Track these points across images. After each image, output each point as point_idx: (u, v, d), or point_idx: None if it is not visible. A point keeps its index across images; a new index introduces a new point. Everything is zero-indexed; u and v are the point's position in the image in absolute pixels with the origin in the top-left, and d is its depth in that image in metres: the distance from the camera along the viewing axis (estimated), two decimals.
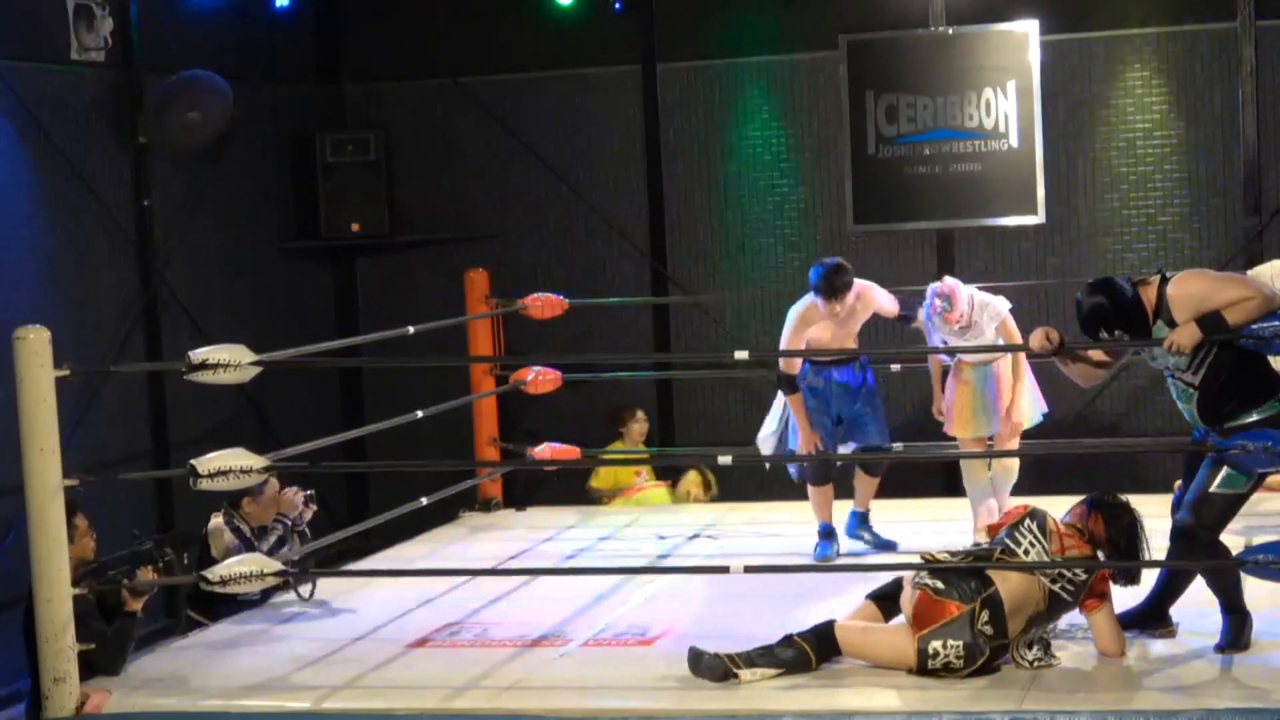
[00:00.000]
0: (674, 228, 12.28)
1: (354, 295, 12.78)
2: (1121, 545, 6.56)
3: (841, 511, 8.73)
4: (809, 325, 8.36)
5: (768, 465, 8.88)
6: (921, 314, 8.50)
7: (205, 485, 6.76)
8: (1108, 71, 11.58)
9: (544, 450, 10.31)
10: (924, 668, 6.33)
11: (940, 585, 6.37)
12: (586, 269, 12.37)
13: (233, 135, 11.38)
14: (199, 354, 6.82)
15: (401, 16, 12.52)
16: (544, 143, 12.40)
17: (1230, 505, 6.46)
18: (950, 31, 11.68)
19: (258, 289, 11.83)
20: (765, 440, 8.77)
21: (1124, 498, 6.69)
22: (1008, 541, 6.53)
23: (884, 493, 8.85)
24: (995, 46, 11.62)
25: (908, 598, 6.45)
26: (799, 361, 8.36)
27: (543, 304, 10.57)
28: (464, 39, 12.45)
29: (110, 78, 10.49)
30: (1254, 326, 6.24)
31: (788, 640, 6.48)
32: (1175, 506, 6.68)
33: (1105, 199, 11.61)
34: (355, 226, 12.27)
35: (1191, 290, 6.37)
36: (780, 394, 8.59)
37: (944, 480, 10.53)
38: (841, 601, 7.17)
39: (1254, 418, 6.35)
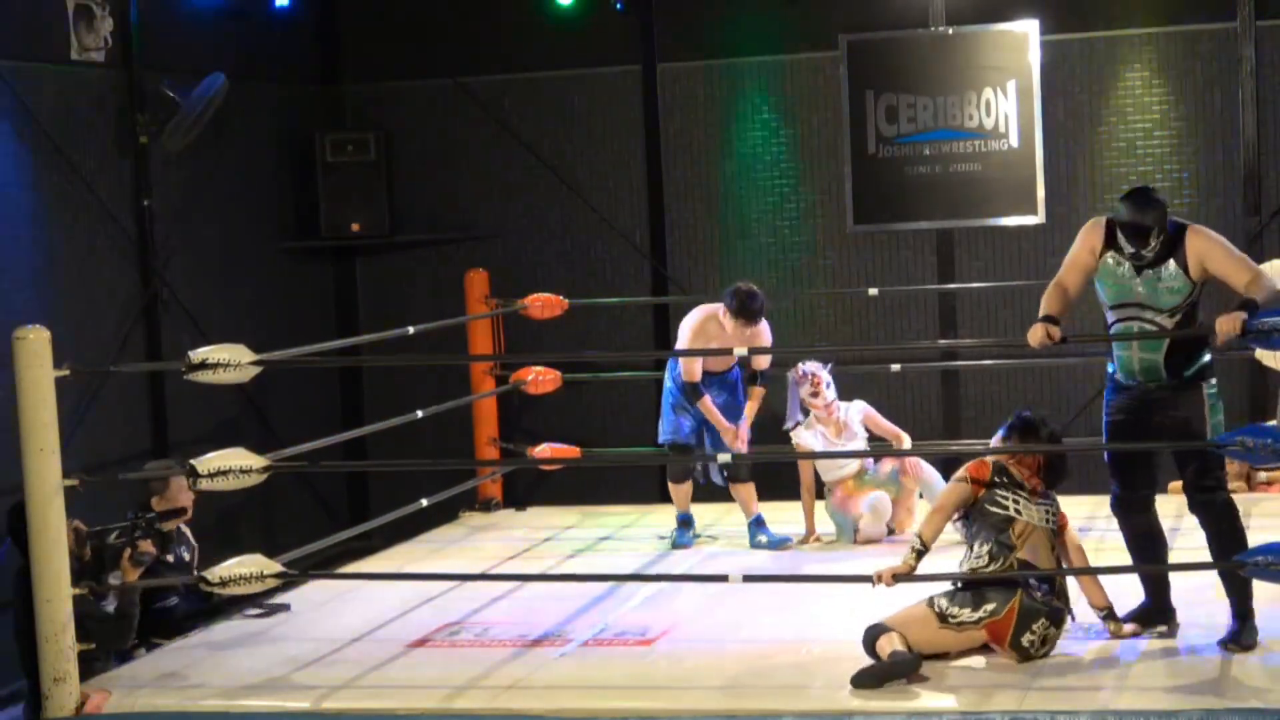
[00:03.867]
0: (674, 228, 12.27)
1: (354, 295, 12.77)
2: (1051, 456, 6.75)
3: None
4: (708, 339, 8.80)
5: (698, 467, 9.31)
6: (795, 417, 8.96)
7: (205, 485, 6.77)
8: (1108, 71, 11.57)
9: (544, 450, 10.32)
10: (1029, 658, 6.47)
11: (991, 606, 6.46)
12: (586, 269, 12.37)
13: (233, 135, 11.38)
14: (199, 354, 6.82)
15: (401, 16, 12.52)
16: (544, 143, 12.40)
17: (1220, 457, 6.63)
18: (950, 31, 11.68)
19: (258, 289, 11.83)
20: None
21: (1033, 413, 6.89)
22: (996, 510, 6.61)
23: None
24: (995, 46, 11.62)
25: (964, 638, 6.51)
26: (699, 371, 8.84)
27: (543, 304, 10.58)
28: (464, 39, 12.44)
29: (110, 78, 10.48)
30: (1254, 322, 6.27)
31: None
32: (1115, 506, 6.77)
33: (1105, 199, 11.59)
34: (355, 226, 12.26)
35: (1214, 250, 6.48)
36: (666, 399, 9.06)
37: None
38: (843, 600, 7.18)
39: (1205, 359, 6.56)
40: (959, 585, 6.57)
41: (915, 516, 8.76)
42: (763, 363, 9.00)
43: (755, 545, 8.91)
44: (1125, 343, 6.58)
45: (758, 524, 8.96)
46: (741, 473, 8.94)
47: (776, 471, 9.85)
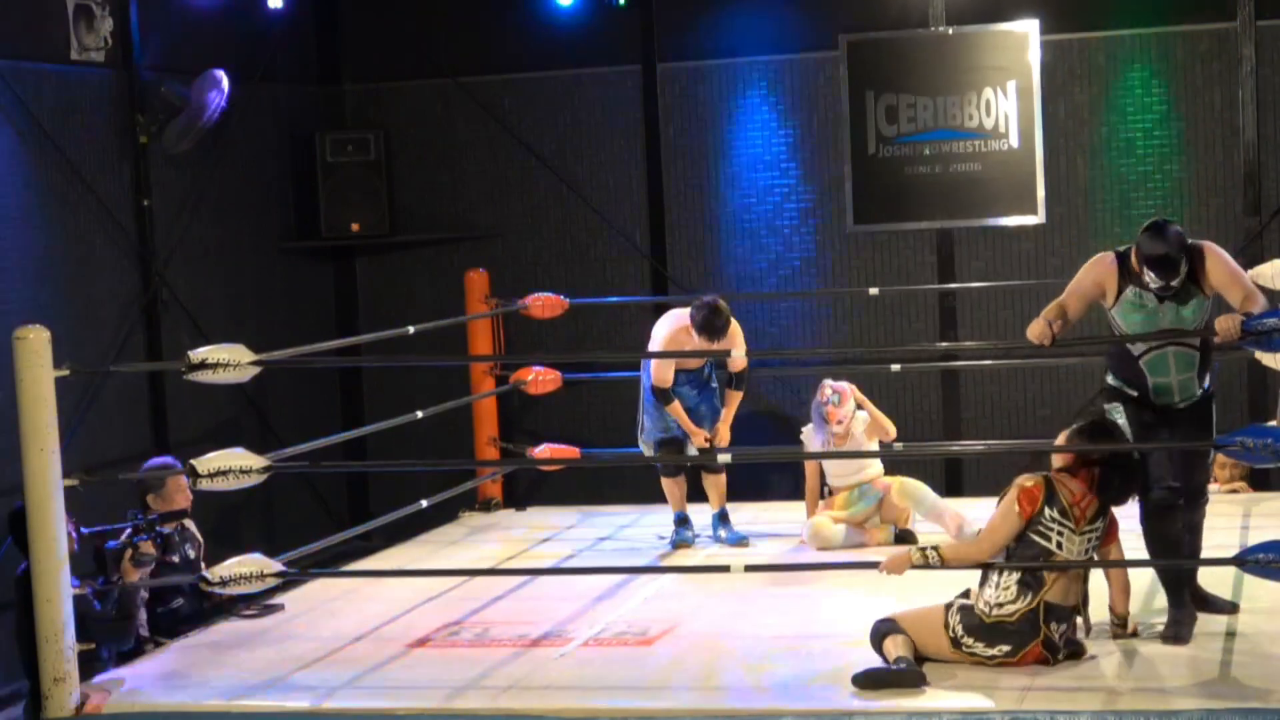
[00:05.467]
0: (674, 228, 12.27)
1: (354, 295, 12.77)
2: (1114, 465, 6.53)
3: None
4: (679, 348, 8.86)
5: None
6: (813, 426, 8.99)
7: (205, 485, 6.77)
8: (1108, 71, 11.57)
9: (544, 450, 10.32)
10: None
11: (1006, 648, 6.39)
12: (586, 269, 12.36)
13: (233, 135, 11.38)
14: (199, 354, 6.82)
15: (401, 16, 12.51)
16: (544, 143, 12.40)
17: None
18: (950, 31, 11.68)
19: (258, 289, 11.83)
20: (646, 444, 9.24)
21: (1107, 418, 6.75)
22: (1039, 541, 6.43)
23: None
24: (995, 46, 11.62)
25: (974, 663, 6.46)
26: (671, 375, 8.90)
27: (543, 304, 10.58)
28: (464, 39, 12.44)
29: (110, 78, 10.49)
30: (1251, 323, 6.34)
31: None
32: (1150, 511, 6.72)
33: (1105, 199, 11.60)
34: (355, 226, 12.26)
35: (1229, 268, 6.63)
36: (642, 400, 9.12)
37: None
38: (842, 599, 7.17)
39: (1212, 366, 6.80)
40: (976, 611, 6.46)
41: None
42: (738, 365, 8.99)
43: (715, 539, 9.07)
44: (1163, 370, 6.67)
45: (722, 518, 9.11)
46: (715, 465, 9.05)
47: (776, 473, 9.88)
